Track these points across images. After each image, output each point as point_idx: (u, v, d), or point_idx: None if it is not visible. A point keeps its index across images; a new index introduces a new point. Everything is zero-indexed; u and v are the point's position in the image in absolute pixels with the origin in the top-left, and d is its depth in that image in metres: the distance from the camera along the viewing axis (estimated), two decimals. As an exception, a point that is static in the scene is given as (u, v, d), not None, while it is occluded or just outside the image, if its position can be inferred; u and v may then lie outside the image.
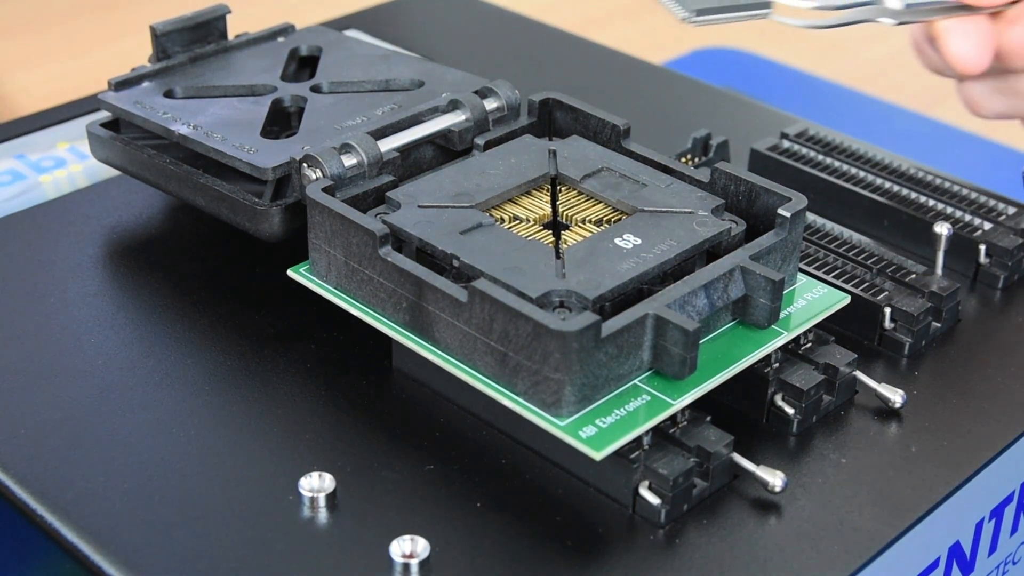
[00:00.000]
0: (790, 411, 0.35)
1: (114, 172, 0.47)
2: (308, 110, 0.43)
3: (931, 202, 0.43)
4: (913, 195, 0.43)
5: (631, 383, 0.33)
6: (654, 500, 0.33)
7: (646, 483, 0.33)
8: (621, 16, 0.93)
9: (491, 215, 0.37)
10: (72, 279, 0.41)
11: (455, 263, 0.35)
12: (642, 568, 0.32)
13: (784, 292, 0.36)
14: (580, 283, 0.34)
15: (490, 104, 0.41)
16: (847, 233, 0.41)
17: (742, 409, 0.36)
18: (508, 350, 0.32)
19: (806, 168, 0.45)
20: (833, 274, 0.39)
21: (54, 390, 0.37)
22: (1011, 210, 0.43)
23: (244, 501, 0.33)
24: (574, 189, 0.38)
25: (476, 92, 0.42)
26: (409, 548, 0.32)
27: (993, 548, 0.38)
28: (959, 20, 0.38)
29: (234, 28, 0.48)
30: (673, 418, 0.33)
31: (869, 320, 0.39)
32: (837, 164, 0.45)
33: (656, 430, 0.33)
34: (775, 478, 0.33)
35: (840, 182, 0.44)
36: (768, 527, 0.33)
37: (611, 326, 0.32)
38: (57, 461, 0.34)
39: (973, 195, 0.43)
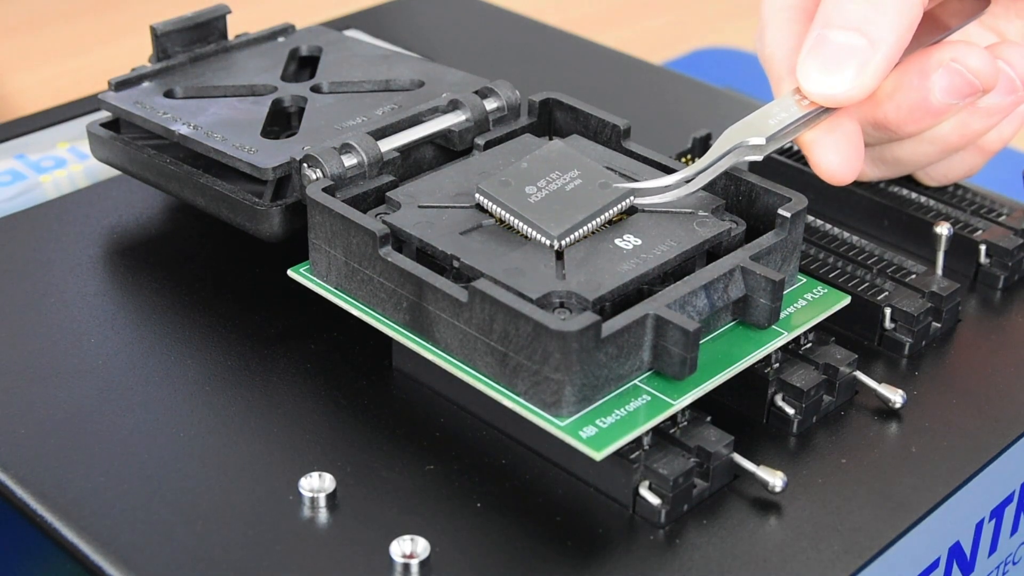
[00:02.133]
0: (790, 411, 0.35)
1: (114, 172, 0.47)
2: (308, 110, 0.43)
3: (931, 202, 0.43)
4: (913, 195, 0.43)
5: (631, 383, 0.33)
6: (654, 500, 0.33)
7: (646, 483, 0.33)
8: (621, 16, 0.93)
9: (491, 215, 0.37)
10: (72, 279, 0.41)
11: (455, 263, 0.35)
12: (642, 568, 0.32)
13: (784, 292, 0.36)
14: (580, 284, 0.34)
15: (490, 104, 0.41)
16: (847, 233, 0.41)
17: (742, 409, 0.36)
18: (508, 350, 0.32)
19: (806, 168, 0.45)
20: (833, 274, 0.39)
21: (54, 390, 0.37)
22: (1011, 210, 0.43)
23: (244, 501, 0.33)
24: (574, 189, 0.38)
25: (476, 92, 0.42)
26: (409, 548, 0.32)
27: (993, 548, 0.38)
28: (824, 129, 0.37)
29: (234, 28, 0.48)
30: (673, 418, 0.33)
31: (869, 320, 0.39)
32: (837, 164, 0.45)
33: (656, 430, 0.33)
34: (775, 478, 0.33)
35: (840, 182, 0.44)
36: (768, 527, 0.33)
37: (611, 326, 0.32)
38: (57, 461, 0.34)
39: (973, 195, 0.43)
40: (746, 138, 0.36)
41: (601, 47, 0.58)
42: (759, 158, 0.36)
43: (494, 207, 0.36)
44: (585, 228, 0.35)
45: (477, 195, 0.36)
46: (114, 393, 0.37)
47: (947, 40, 0.39)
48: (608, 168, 0.38)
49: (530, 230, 0.35)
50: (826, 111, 0.37)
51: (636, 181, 0.37)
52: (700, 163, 0.36)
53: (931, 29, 0.39)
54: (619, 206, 0.36)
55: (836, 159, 0.37)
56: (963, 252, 0.42)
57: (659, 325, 0.33)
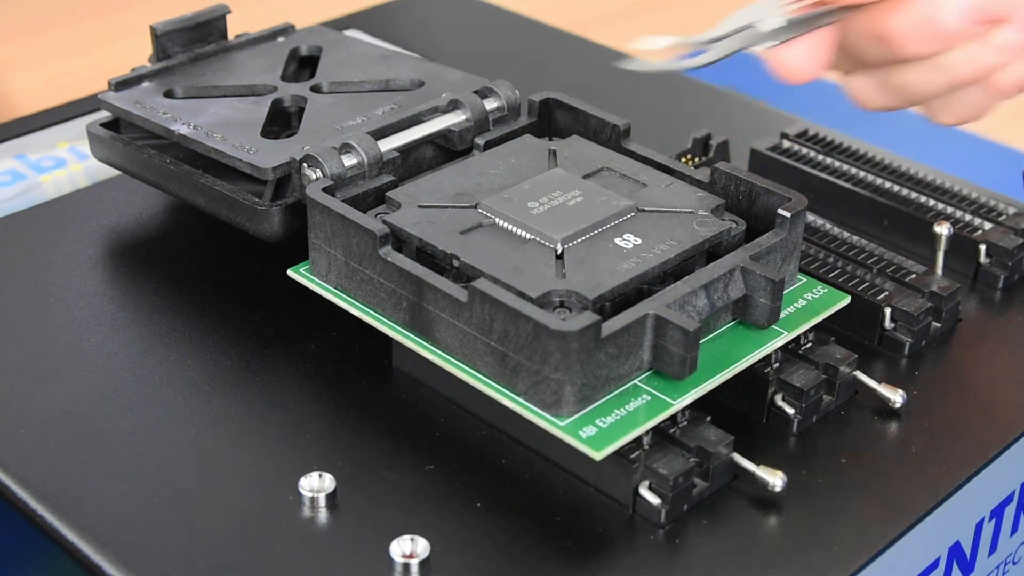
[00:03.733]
0: (790, 411, 0.35)
1: (114, 172, 0.47)
2: (308, 110, 0.43)
3: (931, 202, 0.43)
4: (913, 195, 0.43)
5: (631, 383, 0.33)
6: (654, 500, 0.33)
7: (646, 483, 0.33)
8: (621, 16, 0.93)
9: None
10: (72, 279, 0.41)
11: (455, 263, 0.35)
12: (642, 568, 0.32)
13: (784, 292, 0.36)
14: (580, 283, 0.34)
15: (490, 104, 0.41)
16: (847, 233, 0.41)
17: (742, 409, 0.36)
18: (508, 350, 0.32)
19: (806, 168, 0.45)
20: (833, 274, 0.39)
21: (54, 390, 0.37)
22: (1011, 210, 0.43)
23: (244, 501, 0.33)
24: (574, 189, 0.38)
25: (476, 92, 0.42)
26: (409, 548, 0.32)
27: (993, 548, 0.38)
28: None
29: (234, 28, 0.48)
30: (673, 418, 0.33)
31: (869, 320, 0.39)
32: (837, 164, 0.45)
33: (656, 430, 0.33)
34: (775, 478, 0.33)
35: (840, 182, 0.44)
36: (768, 527, 0.33)
37: (611, 326, 0.32)
38: (57, 461, 0.34)
39: (973, 195, 0.43)
40: (756, 20, 0.35)
41: (601, 47, 0.58)
42: (770, 44, 0.35)
43: (498, 220, 0.36)
44: (587, 236, 0.35)
45: (480, 210, 0.36)
46: (114, 393, 0.37)
47: None
48: (607, 169, 0.39)
49: (533, 238, 0.35)
50: (829, 15, 0.36)
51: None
52: (710, 33, 0.35)
53: None
54: (623, 218, 0.36)
55: (792, 53, 0.36)
56: (963, 252, 0.42)
57: (659, 325, 0.33)
